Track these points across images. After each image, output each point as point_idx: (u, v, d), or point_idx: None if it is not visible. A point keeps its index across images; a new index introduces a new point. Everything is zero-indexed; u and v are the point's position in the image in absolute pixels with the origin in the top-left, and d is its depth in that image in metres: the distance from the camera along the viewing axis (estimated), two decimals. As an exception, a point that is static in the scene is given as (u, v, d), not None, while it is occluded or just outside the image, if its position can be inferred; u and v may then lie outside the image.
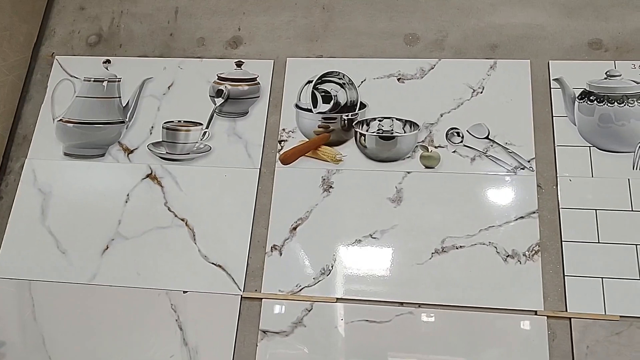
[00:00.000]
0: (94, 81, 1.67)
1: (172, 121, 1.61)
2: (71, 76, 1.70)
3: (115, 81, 1.67)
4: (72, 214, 1.54)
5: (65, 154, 1.62)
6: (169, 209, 1.52)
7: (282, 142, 1.56)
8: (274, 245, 1.45)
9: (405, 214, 1.44)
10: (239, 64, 1.65)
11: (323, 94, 1.59)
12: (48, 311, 1.46)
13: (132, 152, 1.60)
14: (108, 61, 1.71)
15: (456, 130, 1.51)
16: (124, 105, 1.65)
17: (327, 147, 1.53)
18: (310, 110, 1.57)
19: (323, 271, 1.41)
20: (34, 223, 1.54)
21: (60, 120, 1.64)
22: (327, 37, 1.67)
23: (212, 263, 1.45)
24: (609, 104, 1.47)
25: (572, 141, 1.46)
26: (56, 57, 1.74)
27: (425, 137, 1.51)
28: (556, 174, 1.44)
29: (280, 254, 1.44)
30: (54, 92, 1.69)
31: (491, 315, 1.33)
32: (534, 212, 1.41)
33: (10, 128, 1.65)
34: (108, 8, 1.80)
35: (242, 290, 1.42)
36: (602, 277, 1.33)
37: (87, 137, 1.61)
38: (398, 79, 1.58)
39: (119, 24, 1.77)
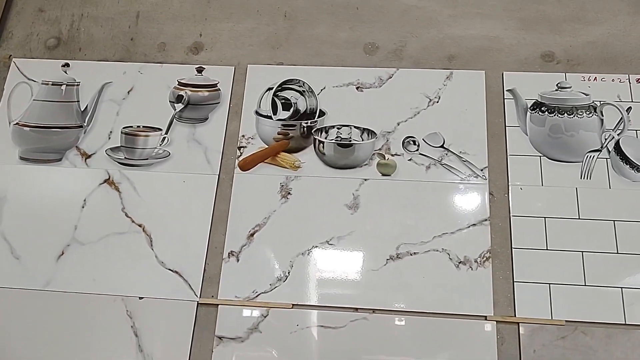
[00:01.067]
0: (52, 85, 1.66)
1: (131, 126, 1.61)
2: (29, 79, 1.68)
3: (74, 85, 1.66)
4: (27, 219, 1.52)
5: (22, 158, 1.60)
6: (126, 214, 1.51)
7: (242, 149, 1.57)
8: (231, 251, 1.46)
9: (361, 220, 1.46)
10: (199, 70, 1.66)
11: (283, 101, 1.61)
12: (2, 317, 1.43)
13: (89, 156, 1.59)
14: (67, 64, 1.69)
15: (412, 139, 1.54)
16: (82, 110, 1.64)
17: (286, 153, 1.55)
18: (270, 117, 1.58)
19: (279, 277, 1.43)
20: (-13, 228, 1.52)
21: (17, 123, 1.62)
22: (289, 45, 1.69)
23: (169, 269, 1.45)
24: (559, 115, 1.52)
25: (524, 151, 1.51)
26: (13, 59, 1.72)
27: (383, 145, 1.54)
28: (508, 182, 1.48)
29: (238, 260, 1.45)
30: (11, 95, 1.67)
31: (443, 320, 1.36)
32: (486, 220, 1.44)
33: (-36, 131, 1.63)
34: (68, 11, 1.78)
35: (199, 296, 1.42)
36: (549, 283, 1.37)
37: (44, 141, 1.60)
38: (357, 88, 1.61)
39: (79, 27, 1.76)
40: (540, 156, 1.50)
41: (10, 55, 1.73)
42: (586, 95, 1.54)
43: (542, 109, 1.53)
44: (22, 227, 1.52)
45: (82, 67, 1.69)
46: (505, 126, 1.54)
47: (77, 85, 1.66)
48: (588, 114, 1.52)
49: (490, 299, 1.37)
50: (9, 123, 1.63)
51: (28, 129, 1.61)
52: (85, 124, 1.62)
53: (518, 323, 1.35)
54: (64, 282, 1.46)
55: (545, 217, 1.43)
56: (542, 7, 1.68)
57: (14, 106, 1.65)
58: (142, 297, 1.43)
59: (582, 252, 1.39)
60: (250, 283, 1.43)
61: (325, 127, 1.57)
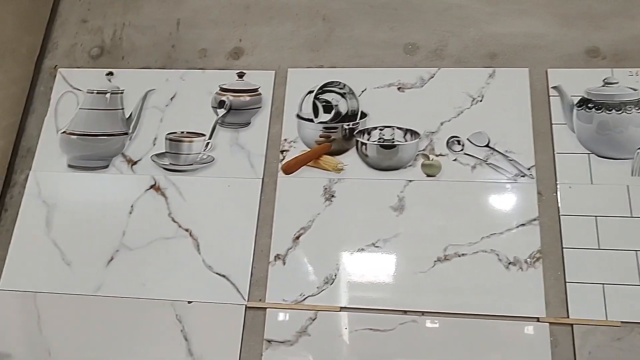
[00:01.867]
0: (97, 93, 1.69)
1: (175, 132, 1.63)
2: (74, 88, 1.72)
3: (118, 93, 1.69)
4: (76, 225, 1.55)
5: (69, 166, 1.63)
6: (173, 219, 1.53)
7: (284, 152, 1.57)
8: (277, 254, 1.47)
9: (407, 222, 1.46)
10: (240, 75, 1.67)
11: (324, 103, 1.61)
12: (53, 323, 1.47)
13: (135, 163, 1.61)
14: (111, 73, 1.72)
15: (457, 139, 1.53)
16: (127, 117, 1.66)
17: (328, 156, 1.55)
18: (311, 120, 1.59)
19: (327, 280, 1.43)
20: (39, 235, 1.55)
21: (64, 132, 1.66)
22: (328, 47, 1.69)
23: (217, 273, 1.46)
24: (607, 112, 1.49)
25: (571, 148, 1.48)
26: (59, 69, 1.76)
27: (426, 146, 1.53)
28: (556, 181, 1.45)
29: (284, 264, 1.46)
30: (58, 105, 1.70)
31: (494, 322, 1.34)
32: (535, 220, 1.42)
33: (14, 141, 1.67)
34: (110, 20, 1.81)
35: (247, 299, 1.43)
36: (602, 284, 1.34)
37: (90, 148, 1.63)
38: (398, 88, 1.60)
39: (121, 35, 1.79)
40: (588, 154, 1.47)
41: (56, 66, 1.77)
42: (634, 90, 1.50)
43: (589, 105, 1.50)
44: (72, 233, 1.55)
45: (126, 75, 1.72)
46: (551, 124, 1.51)
47: (121, 93, 1.69)
48: (637, 110, 1.48)
49: (542, 300, 1.35)
50: (57, 132, 1.67)
51: (75, 137, 1.64)
52: (130, 131, 1.64)
53: (572, 324, 1.32)
54: (114, 287, 1.48)
55: (596, 216, 1.40)
56: (584, 2, 1.65)
57: (60, 115, 1.69)
58: (191, 302, 1.44)
59: (636, 250, 1.36)
60: (297, 286, 1.43)
61: (368, 128, 1.57)
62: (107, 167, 1.62)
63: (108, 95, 1.68)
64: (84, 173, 1.62)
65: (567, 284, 1.36)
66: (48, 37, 1.81)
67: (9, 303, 1.50)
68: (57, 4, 1.85)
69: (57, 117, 1.69)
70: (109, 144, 1.63)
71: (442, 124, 1.55)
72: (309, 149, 1.57)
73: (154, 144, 1.63)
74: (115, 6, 1.83)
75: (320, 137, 1.57)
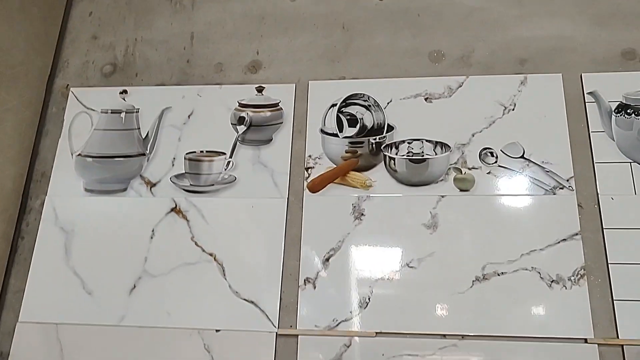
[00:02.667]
0: (112, 112, 1.63)
1: (194, 151, 1.57)
2: (87, 108, 1.66)
3: (133, 112, 1.63)
4: (96, 252, 1.50)
5: (87, 190, 1.57)
6: (196, 243, 1.47)
7: (309, 169, 1.51)
8: (307, 278, 1.40)
9: (442, 240, 1.39)
10: (259, 90, 1.61)
11: (348, 117, 1.54)
12: (77, 355, 1.41)
13: (154, 185, 1.55)
14: (125, 91, 1.66)
15: (490, 150, 1.46)
16: (143, 137, 1.60)
17: (356, 172, 1.49)
18: (336, 135, 1.52)
19: (360, 304, 1.36)
20: (58, 263, 1.50)
21: (79, 154, 1.60)
22: (348, 57, 1.63)
23: (244, 299, 1.40)
24: (647, 117, 1.42)
25: (612, 157, 1.41)
26: (71, 89, 1.70)
27: (458, 159, 1.46)
28: (597, 192, 1.39)
29: (314, 287, 1.39)
30: (71, 126, 1.65)
31: (538, 344, 1.28)
32: (577, 234, 1.35)
33: (28, 165, 1.61)
34: (122, 36, 1.75)
35: (277, 327, 1.37)
36: (653, 301, 1.28)
37: (107, 171, 1.57)
38: (425, 99, 1.53)
39: (133, 52, 1.73)
40: (630, 162, 1.40)
41: (68, 85, 1.71)
42: (675, 93, 1.43)
43: (628, 111, 1.43)
44: (92, 261, 1.49)
45: (140, 93, 1.66)
46: (589, 132, 1.44)
47: (137, 112, 1.63)
48: (679, 114, 1.41)
49: (589, 319, 1.28)
50: (72, 154, 1.61)
51: (91, 159, 1.58)
52: (147, 152, 1.58)
53: (622, 345, 1.26)
54: (139, 317, 1.42)
55: (641, 229, 1.34)
56: (616, 1, 1.57)
57: (75, 137, 1.63)
58: (219, 330, 1.38)
59: (687, 265, 1.29)
60: (329, 311, 1.37)
61: (395, 142, 1.51)
62: (125, 189, 1.56)
63: (123, 114, 1.62)
64: (102, 197, 1.56)
65: (615, 301, 1.29)
66: (58, 55, 1.76)
67: (30, 335, 1.44)
68: (67, 20, 1.79)
69: (71, 139, 1.63)
70: (127, 166, 1.57)
71: (473, 135, 1.48)
72: (335, 166, 1.50)
73: (173, 165, 1.57)
74: (126, 21, 1.77)
75: (346, 152, 1.51)
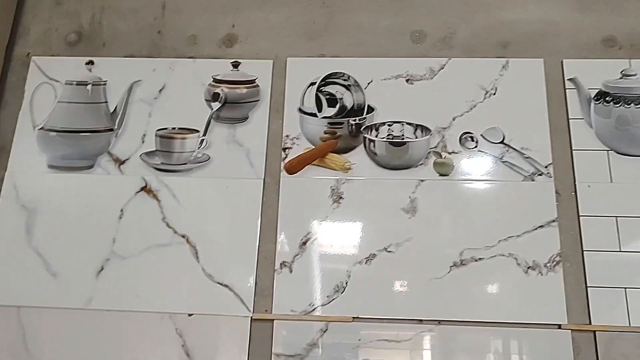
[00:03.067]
0: (77, 84, 1.53)
1: (166, 128, 1.50)
2: (50, 79, 1.56)
3: (100, 84, 1.54)
4: (60, 232, 1.42)
5: (50, 166, 1.49)
6: (167, 224, 1.41)
7: (287, 150, 1.46)
8: (283, 261, 1.37)
9: (420, 225, 1.38)
10: (235, 65, 1.54)
11: (328, 96, 1.50)
12: (41, 339, 1.35)
13: (123, 162, 1.48)
14: (91, 62, 1.57)
15: (470, 135, 1.44)
16: (111, 111, 1.52)
17: (335, 154, 1.45)
18: (315, 115, 1.48)
19: (337, 288, 1.34)
20: (19, 244, 1.42)
21: (42, 128, 1.51)
22: (328, 34, 1.57)
23: (218, 283, 1.36)
24: (625, 105, 1.42)
25: (590, 145, 1.41)
26: (32, 57, 1.59)
27: (438, 143, 1.44)
28: (574, 179, 1.39)
29: (291, 271, 1.36)
30: (33, 97, 1.55)
31: (514, 330, 1.29)
32: (554, 221, 1.36)
33: (-15, 138, 1.51)
34: (87, 3, 1.65)
35: (252, 311, 1.34)
36: (625, 287, 1.30)
37: (72, 146, 1.48)
38: (407, 80, 1.50)
39: (100, 20, 1.63)
40: (607, 150, 1.40)
41: (29, 53, 1.60)
42: (653, 82, 1.44)
43: (607, 99, 1.43)
44: (57, 241, 1.42)
45: (108, 64, 1.57)
46: (568, 118, 1.44)
47: (104, 84, 1.54)
48: (657, 103, 1.42)
49: (564, 306, 1.29)
50: (34, 128, 1.52)
51: (54, 133, 1.49)
52: (116, 127, 1.50)
53: (594, 331, 1.27)
54: (106, 300, 1.36)
55: (616, 217, 1.35)
56: (599, -14, 1.56)
57: (37, 109, 1.53)
58: (192, 314, 1.34)
59: (659, 253, 1.31)
60: (305, 295, 1.34)
61: (375, 124, 1.47)
62: (92, 167, 1.48)
63: (89, 86, 1.53)
64: (67, 174, 1.48)
65: (588, 288, 1.30)
66: (18, 21, 1.64)
67: (-11, 319, 1.37)
68: (27, -17, 1.67)
69: (33, 112, 1.53)
70: (93, 142, 1.49)
71: (454, 119, 1.46)
72: (314, 147, 1.46)
73: (143, 142, 1.49)
74: (92, -13, 1.66)
75: (325, 133, 1.46)
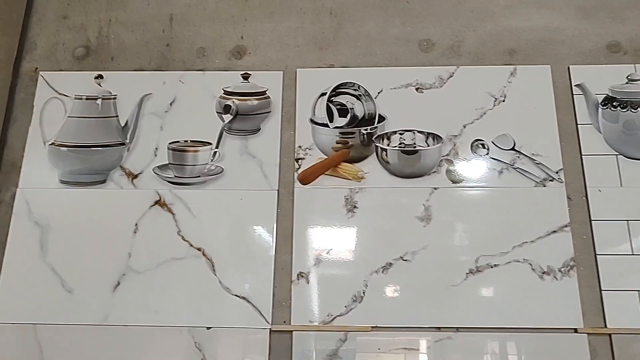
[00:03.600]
0: (87, 99, 1.53)
1: (178, 141, 1.50)
2: (59, 94, 1.55)
3: (110, 98, 1.54)
4: (75, 248, 1.42)
5: (62, 182, 1.48)
6: (183, 238, 1.41)
7: (300, 160, 1.47)
8: (300, 272, 1.38)
9: (435, 232, 1.39)
10: (245, 77, 1.54)
11: (339, 107, 1.51)
12: (58, 357, 1.34)
13: (136, 176, 1.48)
14: (100, 76, 1.57)
15: (481, 142, 1.46)
16: (122, 125, 1.52)
17: (347, 164, 1.46)
18: (326, 125, 1.48)
19: (355, 298, 1.35)
20: (34, 260, 1.41)
21: (52, 143, 1.50)
22: (337, 44, 1.58)
23: (236, 295, 1.36)
24: (632, 110, 1.44)
25: (599, 150, 1.44)
26: (40, 72, 1.58)
27: (450, 150, 1.46)
28: (585, 184, 1.41)
29: (308, 282, 1.37)
30: (42, 113, 1.54)
31: (531, 335, 1.30)
32: (566, 226, 1.38)
33: (-5, 155, 1.50)
34: (94, 16, 1.64)
35: (270, 323, 1.34)
36: (638, 290, 1.32)
37: (84, 161, 1.48)
38: (416, 89, 1.51)
39: (108, 33, 1.62)
40: (616, 155, 1.43)
41: (37, 68, 1.59)
42: (659, 87, 1.47)
43: (614, 104, 1.46)
44: (71, 257, 1.41)
45: (117, 78, 1.57)
46: (576, 124, 1.46)
47: (114, 98, 1.54)
48: (662, 108, 1.45)
49: (579, 310, 1.31)
50: (44, 143, 1.51)
51: (65, 149, 1.49)
52: (127, 141, 1.50)
53: (610, 334, 1.29)
54: (124, 315, 1.36)
55: (627, 220, 1.37)
56: (601, -7, 1.59)
57: (47, 124, 1.53)
58: (210, 327, 1.34)
59: (670, 255, 1.34)
60: (323, 306, 1.35)
61: (387, 133, 1.48)
62: (104, 181, 1.47)
63: (99, 101, 1.53)
64: (79, 189, 1.47)
65: (603, 292, 1.32)
66: (25, 35, 1.63)
67: (6, 337, 1.35)
68: (32, -2, 1.66)
69: (43, 127, 1.53)
70: (105, 156, 1.49)
71: (464, 126, 1.48)
72: (326, 157, 1.47)
73: (156, 155, 1.49)
74: (98, 1, 1.65)
75: (337, 143, 1.47)
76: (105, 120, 1.52)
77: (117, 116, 1.53)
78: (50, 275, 1.40)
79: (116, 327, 1.35)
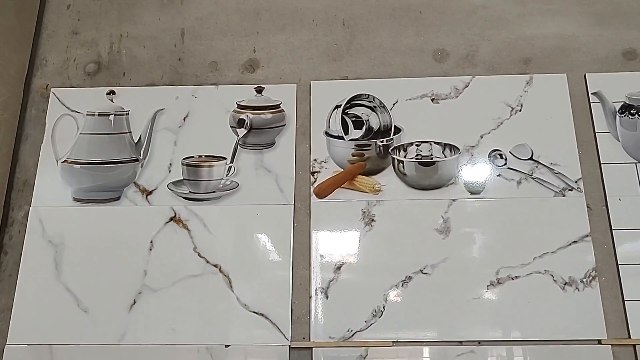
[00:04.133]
0: (99, 115, 1.52)
1: (192, 156, 1.48)
2: (71, 110, 1.54)
3: (123, 114, 1.53)
4: (90, 266, 1.40)
5: (75, 199, 1.47)
6: (199, 254, 1.40)
7: (315, 174, 1.46)
8: (318, 287, 1.36)
9: (455, 245, 1.37)
10: (259, 90, 1.53)
11: (354, 119, 1.49)
12: (75, 378, 1.32)
13: (150, 193, 1.46)
14: (112, 92, 1.55)
15: (499, 152, 1.44)
16: (135, 141, 1.51)
17: (363, 176, 1.44)
18: (342, 138, 1.47)
19: (374, 313, 1.33)
20: (48, 280, 1.39)
21: (65, 161, 1.49)
22: (351, 56, 1.57)
23: (254, 312, 1.35)
24: (650, 117, 1.43)
25: (617, 158, 1.42)
26: (52, 89, 1.57)
27: (467, 161, 1.44)
28: (604, 193, 1.40)
29: (327, 297, 1.35)
30: (54, 130, 1.53)
31: (554, 347, 1.28)
32: (587, 236, 1.36)
33: (8, 173, 1.48)
34: (105, 32, 1.63)
35: (290, 339, 1.32)
36: (662, 300, 1.30)
37: (98, 179, 1.46)
38: (432, 100, 1.50)
39: (119, 49, 1.61)
40: (635, 163, 1.41)
41: (48, 85, 1.58)
42: (676, 93, 1.45)
43: (632, 111, 1.44)
44: (86, 276, 1.39)
45: (129, 93, 1.56)
46: (594, 132, 1.45)
47: (127, 114, 1.53)
48: (680, 114, 1.43)
49: (602, 321, 1.29)
50: (57, 161, 1.49)
51: (78, 166, 1.47)
52: (141, 157, 1.49)
53: (634, 345, 1.28)
54: (140, 334, 1.34)
55: (649, 229, 1.36)
56: (615, 0, 1.58)
57: (59, 141, 1.51)
58: (229, 345, 1.32)
59: (693, 264, 1.32)
60: (343, 321, 1.33)
61: (403, 144, 1.47)
62: (118, 198, 1.46)
63: (112, 117, 1.52)
64: (93, 207, 1.46)
65: (626, 302, 1.31)
66: (35, 52, 1.62)
67: (21, 359, 1.34)
68: (42, 14, 1.65)
69: (55, 144, 1.51)
70: (119, 173, 1.47)
71: (481, 136, 1.46)
72: (342, 169, 1.45)
73: (170, 171, 1.48)
74: (109, 16, 1.65)
75: (353, 155, 1.46)
76: (118, 137, 1.50)
77: (130, 132, 1.51)
78: (65, 295, 1.38)
79: (133, 346, 1.34)
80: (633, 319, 1.29)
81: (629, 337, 1.28)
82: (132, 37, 1.62)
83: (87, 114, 1.52)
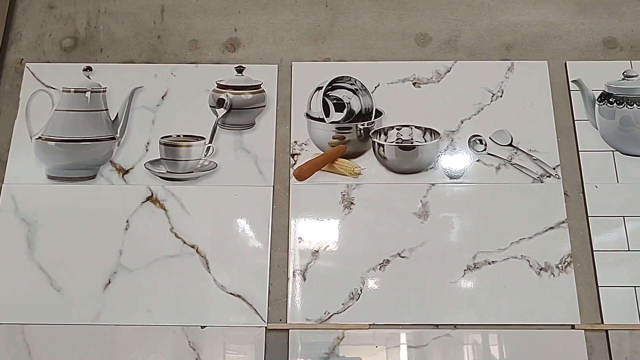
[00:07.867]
0: (75, 92, 1.48)
1: (170, 136, 1.46)
2: (46, 86, 1.51)
3: (100, 91, 1.49)
4: (64, 245, 1.38)
5: (50, 177, 1.43)
6: (176, 235, 1.38)
7: (295, 156, 1.45)
8: (296, 269, 1.35)
9: (433, 229, 1.37)
10: (239, 70, 1.51)
11: (335, 101, 1.48)
12: (47, 358, 1.30)
13: (127, 172, 1.44)
14: (89, 68, 1.52)
15: (479, 138, 1.45)
16: (112, 119, 1.48)
17: (344, 159, 1.44)
18: (322, 120, 1.46)
19: (352, 295, 1.33)
20: (20, 258, 1.36)
21: (39, 138, 1.45)
22: (333, 38, 1.55)
23: (230, 293, 1.34)
24: (628, 106, 1.44)
25: (595, 146, 1.43)
26: (26, 64, 1.53)
27: (447, 146, 1.44)
28: (582, 180, 1.41)
29: (304, 279, 1.35)
30: (28, 105, 1.49)
31: (529, 332, 1.30)
32: (564, 222, 1.37)
33: (-20, 149, 1.45)
34: (82, 6, 1.59)
35: (266, 321, 1.32)
36: (634, 286, 1.32)
37: (73, 156, 1.43)
38: (414, 84, 1.50)
39: (97, 24, 1.58)
40: (613, 151, 1.43)
41: (22, 60, 1.54)
42: (655, 83, 1.47)
43: (610, 100, 1.45)
44: (60, 255, 1.37)
45: (107, 70, 1.52)
46: (573, 120, 1.46)
47: (104, 91, 1.49)
48: (658, 104, 1.45)
49: (576, 306, 1.31)
50: (31, 138, 1.46)
51: (53, 143, 1.44)
52: (117, 135, 1.46)
53: (606, 330, 1.29)
54: (115, 315, 1.32)
55: (623, 217, 1.37)
56: (597, -11, 1.59)
57: (33, 118, 1.48)
58: (205, 326, 1.31)
59: (666, 251, 1.34)
60: (320, 303, 1.33)
61: (384, 128, 1.46)
62: (94, 177, 1.43)
63: (88, 94, 1.48)
64: (68, 185, 1.43)
65: (600, 288, 1.32)
66: (9, 26, 1.57)
67: (-9, 338, 1.32)
68: (16, -13, 1.61)
69: (29, 121, 1.48)
70: (95, 151, 1.44)
71: (462, 122, 1.46)
72: (322, 152, 1.44)
73: (147, 150, 1.46)
74: (86, -10, 1.61)
75: (334, 138, 1.45)
76: (95, 114, 1.47)
77: (107, 110, 1.48)
78: (38, 274, 1.35)
79: (107, 326, 1.32)
80: (606, 305, 1.31)
81: (602, 322, 1.30)
82: (110, 13, 1.59)
83: (63, 90, 1.49)
